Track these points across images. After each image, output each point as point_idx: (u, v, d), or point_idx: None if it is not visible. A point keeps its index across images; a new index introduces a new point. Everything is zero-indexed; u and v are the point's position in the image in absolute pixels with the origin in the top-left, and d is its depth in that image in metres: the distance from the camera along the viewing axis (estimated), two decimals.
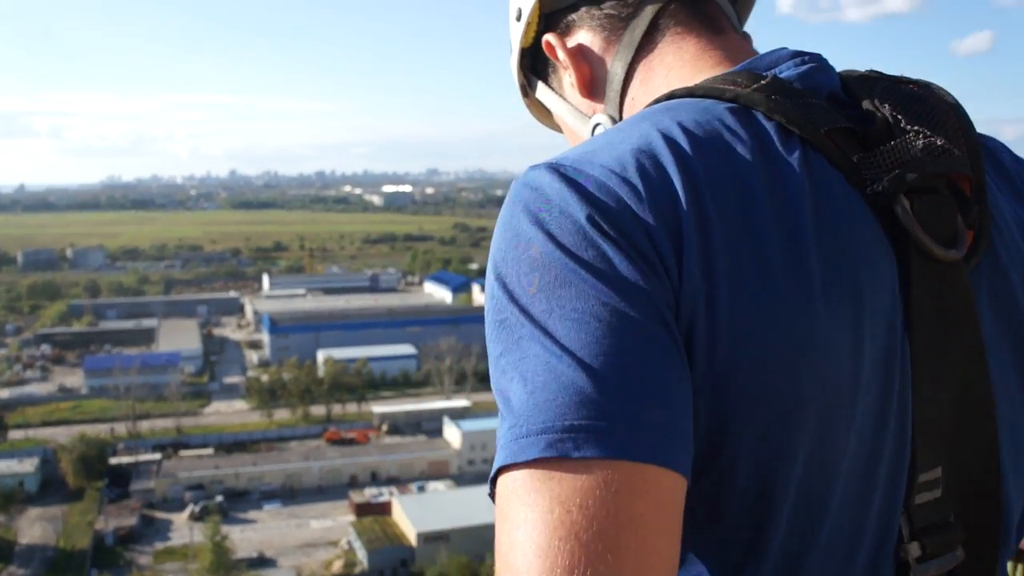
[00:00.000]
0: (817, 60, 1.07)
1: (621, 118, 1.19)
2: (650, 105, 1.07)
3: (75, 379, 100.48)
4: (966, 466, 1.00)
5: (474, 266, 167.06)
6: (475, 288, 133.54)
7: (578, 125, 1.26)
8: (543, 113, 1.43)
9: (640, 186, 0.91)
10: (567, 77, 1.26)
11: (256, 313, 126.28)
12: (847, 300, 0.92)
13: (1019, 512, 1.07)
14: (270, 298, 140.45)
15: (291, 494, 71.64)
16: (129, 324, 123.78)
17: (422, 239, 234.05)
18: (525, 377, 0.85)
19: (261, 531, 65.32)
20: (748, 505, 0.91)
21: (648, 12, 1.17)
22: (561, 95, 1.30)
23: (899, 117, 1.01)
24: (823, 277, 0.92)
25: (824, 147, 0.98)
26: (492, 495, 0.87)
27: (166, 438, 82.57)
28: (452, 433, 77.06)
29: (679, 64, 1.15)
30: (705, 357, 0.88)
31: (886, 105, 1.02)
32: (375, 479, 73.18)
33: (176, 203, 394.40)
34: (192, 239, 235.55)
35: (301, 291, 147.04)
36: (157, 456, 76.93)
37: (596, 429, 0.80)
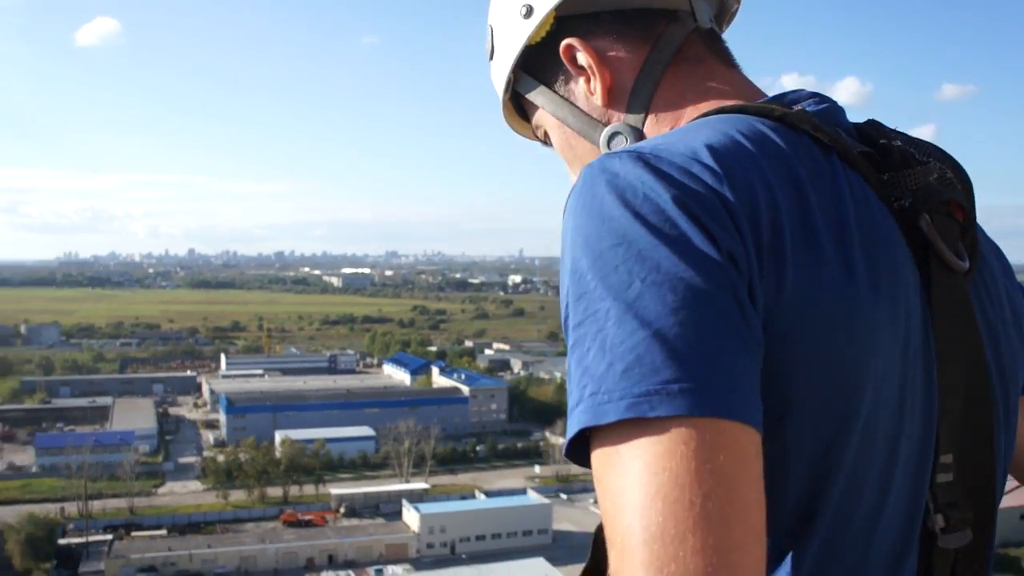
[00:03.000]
0: (832, 102, 1.19)
1: (643, 131, 1.25)
2: (700, 117, 1.15)
3: (26, 457, 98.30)
4: (971, 454, 1.10)
5: (433, 348, 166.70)
6: (434, 370, 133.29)
7: (587, 131, 1.29)
8: (518, 121, 1.46)
9: (720, 171, 0.98)
10: (581, 83, 1.29)
11: (213, 393, 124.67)
12: (887, 289, 1.03)
13: (1002, 490, 1.20)
14: (227, 378, 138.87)
15: None
16: (83, 402, 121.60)
17: (381, 321, 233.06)
18: (604, 347, 0.90)
19: None
20: (810, 468, 0.99)
21: (677, 37, 1.26)
22: (567, 98, 1.32)
23: (912, 151, 1.15)
24: (866, 268, 1.02)
25: (859, 165, 1.10)
26: (569, 454, 0.95)
27: (118, 519, 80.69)
28: (411, 516, 76.16)
29: (703, 90, 1.24)
30: (774, 330, 0.95)
31: (898, 141, 1.15)
32: (332, 562, 71.90)
33: (133, 281, 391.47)
34: (149, 317, 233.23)
35: (259, 371, 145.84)
36: (108, 537, 75.11)
37: (669, 391, 0.86)
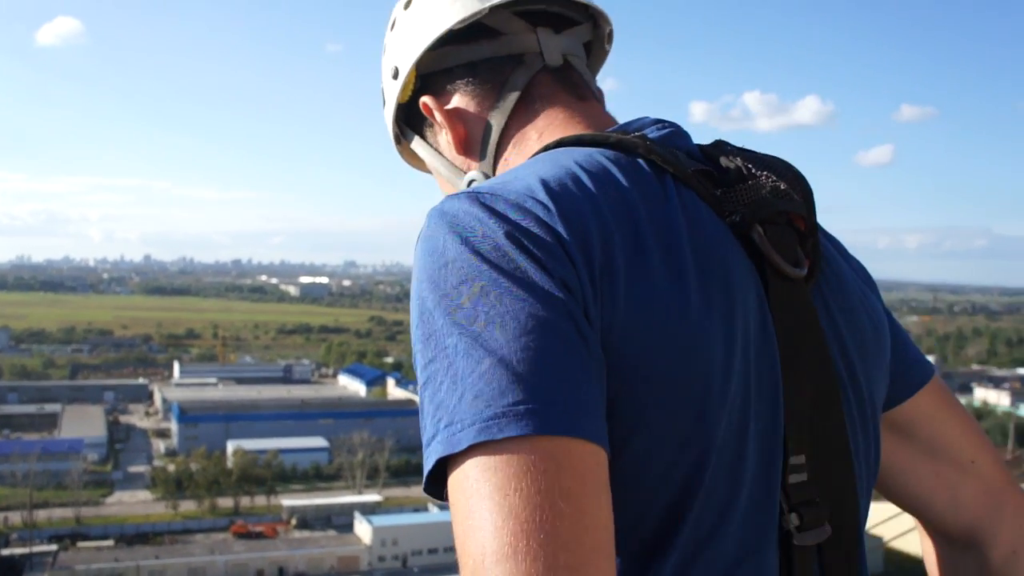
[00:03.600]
0: (675, 127, 1.25)
1: (495, 175, 1.32)
2: (542, 151, 1.22)
3: None
4: (825, 454, 1.15)
5: (389, 359, 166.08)
6: (390, 382, 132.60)
7: (453, 178, 1.40)
8: (415, 159, 1.55)
9: (551, 205, 1.03)
10: (443, 135, 1.39)
11: (165, 401, 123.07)
12: (720, 299, 1.07)
13: (869, 491, 1.25)
14: (180, 386, 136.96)
15: None
16: (31, 408, 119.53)
17: (338, 331, 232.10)
18: (455, 380, 0.94)
19: None
20: (661, 482, 1.02)
21: (520, 81, 1.33)
22: (437, 149, 1.43)
23: (750, 167, 1.20)
24: (699, 282, 1.06)
25: (692, 183, 1.15)
26: (428, 490, 0.98)
27: (64, 528, 79.29)
28: (363, 528, 75.54)
29: (550, 127, 1.30)
30: (611, 347, 1.00)
31: (738, 159, 1.21)
32: (283, 574, 71.16)
33: (87, 286, 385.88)
34: (102, 323, 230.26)
35: (212, 380, 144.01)
36: (54, 547, 73.77)
37: (516, 413, 0.90)
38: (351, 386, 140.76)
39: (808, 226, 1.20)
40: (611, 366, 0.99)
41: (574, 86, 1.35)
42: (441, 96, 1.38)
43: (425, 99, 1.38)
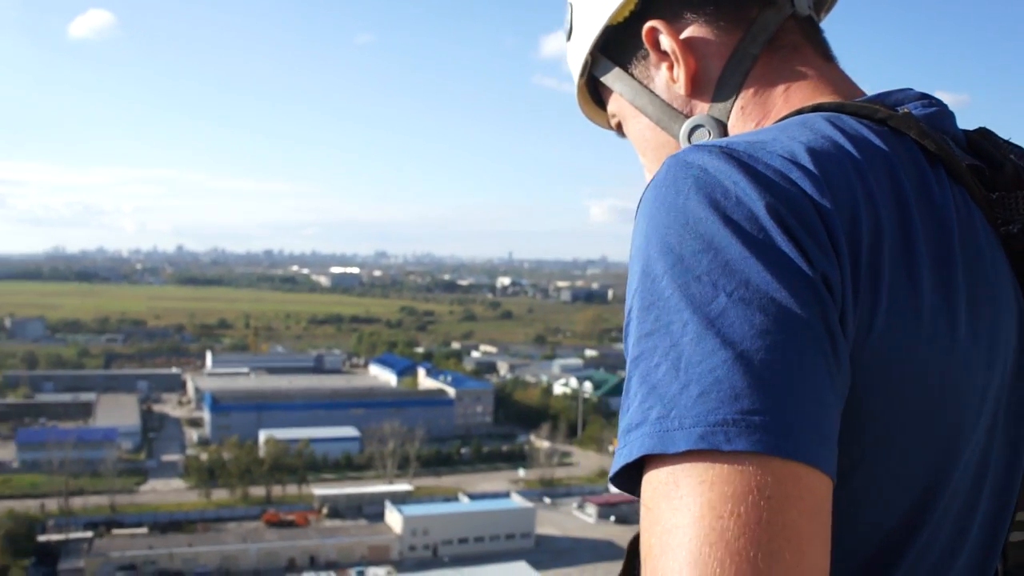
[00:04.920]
0: (942, 105, 1.07)
1: (727, 125, 1.15)
2: (793, 114, 1.04)
3: (7, 452, 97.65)
4: None
5: (420, 349, 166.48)
6: (420, 372, 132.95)
7: (668, 122, 1.20)
8: (592, 108, 1.38)
9: (820, 176, 0.88)
10: (663, 69, 1.18)
11: (198, 390, 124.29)
12: (986, 323, 0.93)
13: None
14: (213, 376, 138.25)
15: None
16: (66, 397, 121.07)
17: (368, 321, 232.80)
18: (678, 365, 0.80)
19: None
20: (879, 524, 0.90)
21: (771, 24, 1.14)
22: (647, 86, 1.22)
23: None
24: (967, 299, 0.92)
25: (966, 180, 0.98)
26: (616, 481, 0.85)
27: (99, 516, 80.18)
28: (394, 518, 75.92)
29: (798, 85, 1.12)
30: (861, 362, 0.86)
31: (1012, 156, 1.04)
32: (314, 563, 71.57)
33: (121, 276, 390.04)
34: (135, 313, 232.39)
35: (244, 370, 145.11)
36: (89, 534, 74.64)
37: (749, 424, 0.76)
38: (382, 376, 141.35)
39: None
40: (855, 384, 0.86)
41: (821, 43, 1.18)
42: (674, 23, 1.16)
43: (655, 22, 1.16)
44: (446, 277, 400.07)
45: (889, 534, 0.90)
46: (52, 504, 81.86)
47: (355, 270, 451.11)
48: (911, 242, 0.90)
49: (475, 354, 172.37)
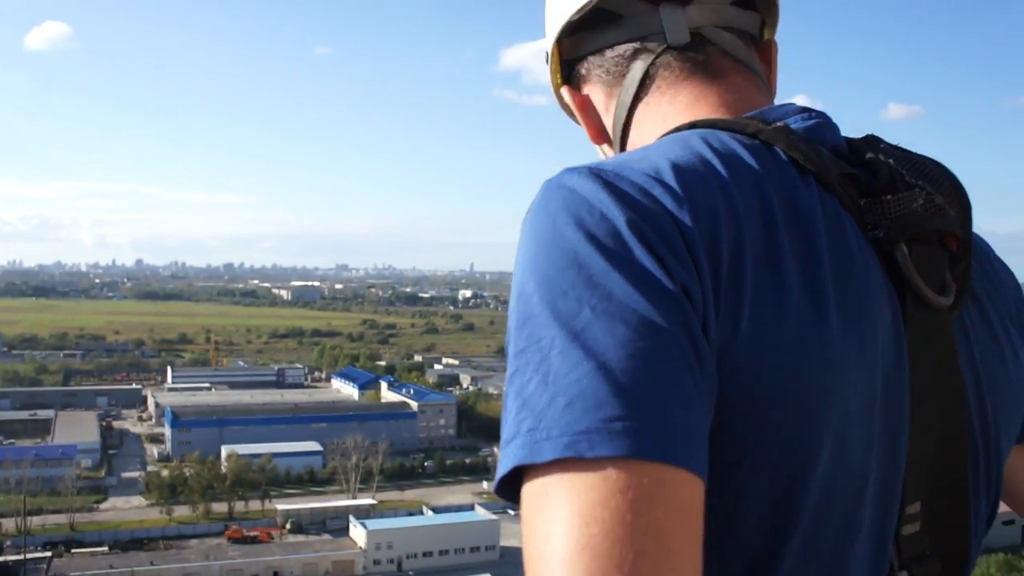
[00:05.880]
0: (823, 117, 1.11)
1: None
2: (673, 132, 1.10)
3: None
4: (941, 503, 1.03)
5: (382, 363, 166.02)
6: (383, 385, 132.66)
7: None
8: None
9: (681, 193, 0.92)
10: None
11: (158, 406, 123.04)
12: (857, 324, 0.96)
13: (978, 551, 1.11)
14: (173, 391, 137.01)
15: None
16: (24, 415, 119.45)
17: (330, 334, 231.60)
18: (547, 379, 0.84)
19: None
20: (764, 519, 0.92)
21: (639, 66, 1.20)
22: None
23: (903, 173, 1.07)
24: (836, 302, 0.95)
25: (836, 189, 1.02)
26: (500, 492, 0.87)
27: (58, 535, 79.25)
28: (357, 532, 75.70)
29: (674, 112, 1.18)
30: (728, 367, 0.89)
31: (890, 160, 1.08)
32: None
33: (79, 291, 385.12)
34: (94, 328, 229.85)
35: (205, 385, 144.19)
36: (48, 554, 73.76)
37: (611, 429, 0.79)
38: (344, 390, 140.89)
39: (961, 247, 1.07)
40: (724, 388, 0.89)
41: (704, 65, 1.19)
42: (583, 86, 1.29)
43: (563, 90, 1.31)
44: (408, 290, 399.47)
45: (776, 527, 0.92)
46: (9, 524, 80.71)
47: (316, 283, 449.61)
48: (775, 252, 0.93)
49: (438, 367, 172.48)
